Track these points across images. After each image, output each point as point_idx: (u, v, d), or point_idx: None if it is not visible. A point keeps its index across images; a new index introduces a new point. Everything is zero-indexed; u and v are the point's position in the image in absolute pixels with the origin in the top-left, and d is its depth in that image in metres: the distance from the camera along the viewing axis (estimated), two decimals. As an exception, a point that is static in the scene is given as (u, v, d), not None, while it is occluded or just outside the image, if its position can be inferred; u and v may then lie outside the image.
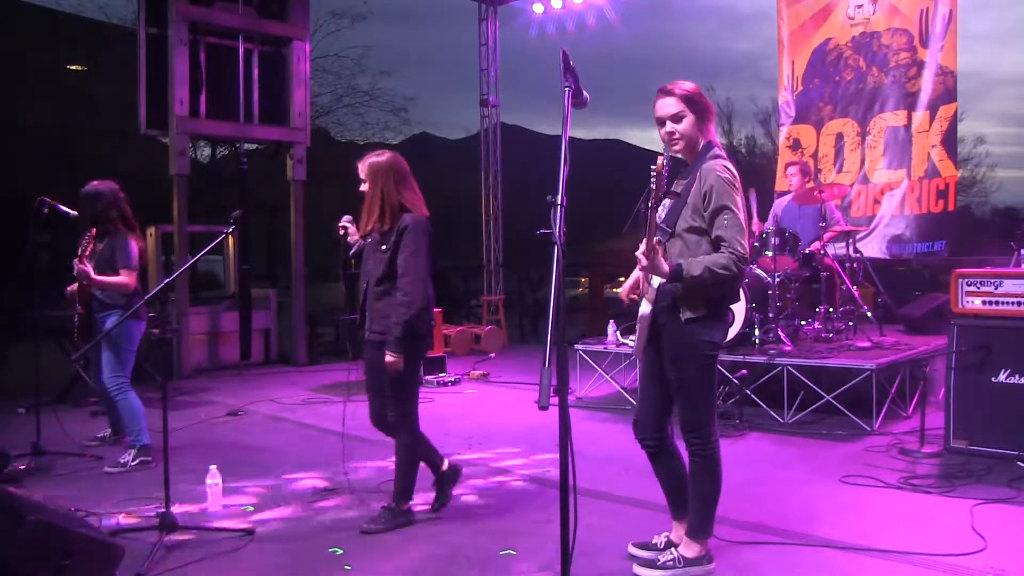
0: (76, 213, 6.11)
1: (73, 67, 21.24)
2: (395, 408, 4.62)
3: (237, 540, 4.42)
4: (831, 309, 7.85)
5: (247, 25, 11.07)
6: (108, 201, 6.05)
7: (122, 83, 15.84)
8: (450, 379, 9.34)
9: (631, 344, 4.21)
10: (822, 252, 7.76)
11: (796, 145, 10.78)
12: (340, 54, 24.07)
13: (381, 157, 4.59)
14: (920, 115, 9.74)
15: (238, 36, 11.04)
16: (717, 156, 3.70)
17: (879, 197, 10.10)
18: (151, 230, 11.29)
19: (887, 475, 5.30)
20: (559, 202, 2.86)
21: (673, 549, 3.86)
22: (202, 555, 4.22)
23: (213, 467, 5.07)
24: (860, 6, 10.23)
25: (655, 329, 3.79)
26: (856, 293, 8.01)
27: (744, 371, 6.98)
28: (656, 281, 3.72)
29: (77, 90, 20.44)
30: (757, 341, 7.32)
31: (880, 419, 6.54)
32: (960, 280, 5.75)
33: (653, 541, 4.04)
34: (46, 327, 7.56)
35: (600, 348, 8.31)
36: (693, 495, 3.82)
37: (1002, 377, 5.51)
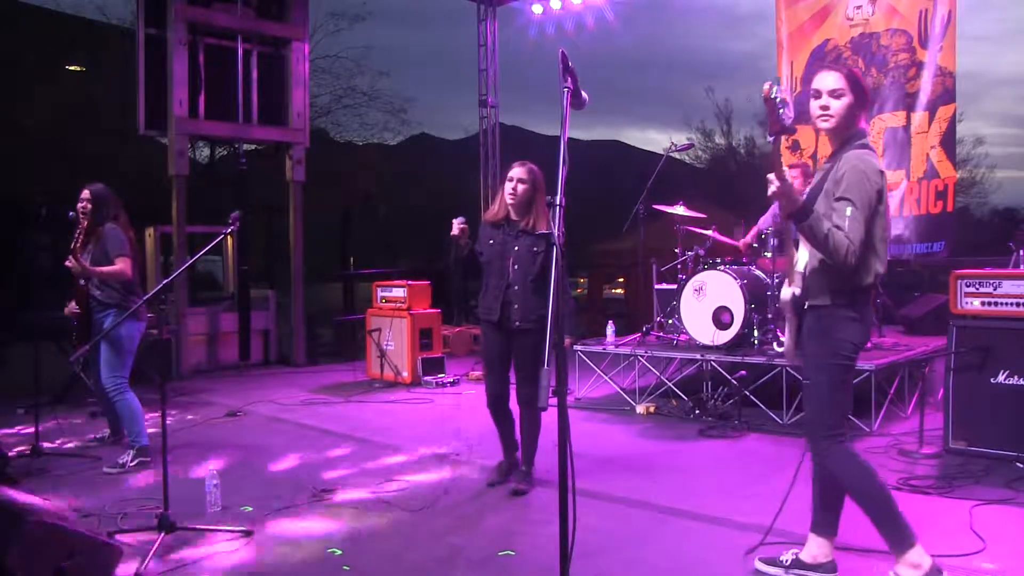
0: (74, 213, 6.12)
1: (72, 68, 21.24)
2: (531, 385, 5.15)
3: (236, 540, 4.43)
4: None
5: (246, 26, 11.08)
6: (114, 203, 6.16)
7: (121, 84, 15.86)
8: (449, 380, 9.33)
9: (780, 349, 4.02)
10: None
11: (795, 146, 10.77)
12: (339, 55, 24.12)
13: (536, 168, 5.23)
14: (919, 116, 9.74)
15: (237, 37, 11.05)
16: (864, 146, 3.50)
17: (878, 198, 10.09)
18: (150, 231, 11.30)
19: (886, 476, 5.28)
20: (558, 203, 2.85)
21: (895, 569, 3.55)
22: (201, 556, 4.22)
23: (212, 468, 5.07)
24: (859, 7, 10.22)
25: (799, 318, 3.65)
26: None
27: (743, 372, 6.98)
28: (801, 265, 3.58)
29: (76, 91, 20.44)
30: (756, 342, 7.33)
31: (879, 420, 6.54)
32: (959, 281, 5.75)
33: (781, 558, 3.84)
34: (45, 328, 7.57)
35: (599, 349, 8.32)
36: (856, 502, 3.61)
37: (1001, 378, 5.51)
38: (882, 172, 3.44)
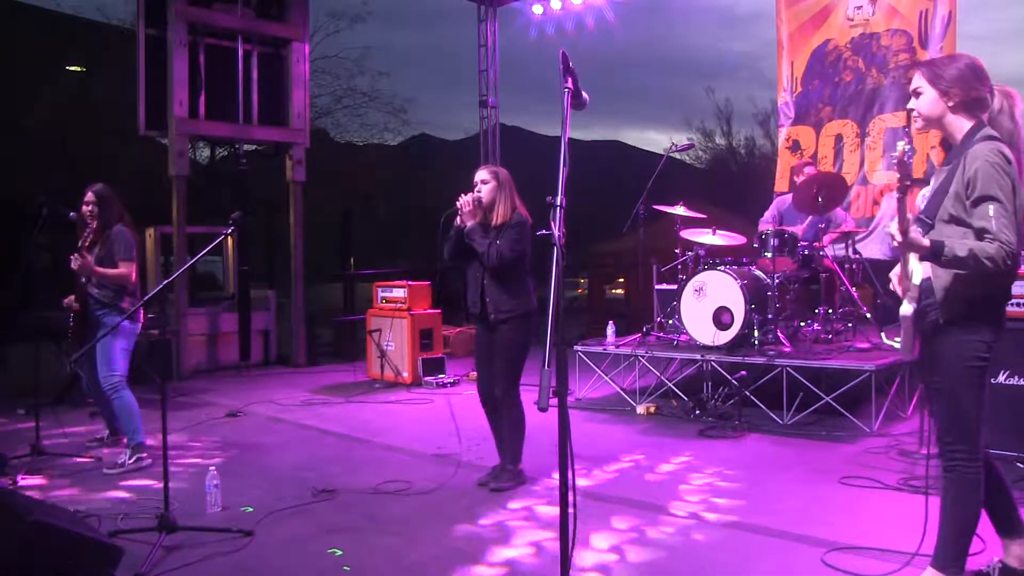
0: (75, 213, 6.14)
1: (72, 68, 21.23)
2: (503, 380, 5.30)
3: (236, 541, 4.42)
4: (830, 310, 7.84)
5: (246, 26, 11.07)
6: (119, 203, 6.22)
7: (121, 84, 15.85)
8: (449, 380, 9.34)
9: (896, 345, 3.82)
10: (821, 253, 7.75)
11: (796, 146, 10.77)
12: (339, 55, 24.11)
13: (501, 168, 5.43)
14: (919, 117, 9.73)
15: (237, 37, 11.05)
16: (989, 138, 3.23)
17: (878, 198, 10.10)
18: (150, 231, 11.30)
19: (886, 476, 5.30)
20: (559, 203, 2.84)
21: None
22: (201, 556, 4.22)
23: (212, 468, 5.07)
24: (859, 7, 10.23)
25: (920, 329, 3.43)
26: (855, 294, 8.00)
27: (743, 372, 6.98)
28: (917, 278, 3.36)
29: (77, 91, 20.44)
30: (756, 342, 7.32)
31: (879, 420, 6.54)
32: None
33: (985, 570, 3.60)
34: (44, 328, 7.57)
35: (599, 349, 8.32)
36: (946, 520, 3.39)
37: (1001, 379, 5.50)
38: (1010, 161, 3.20)
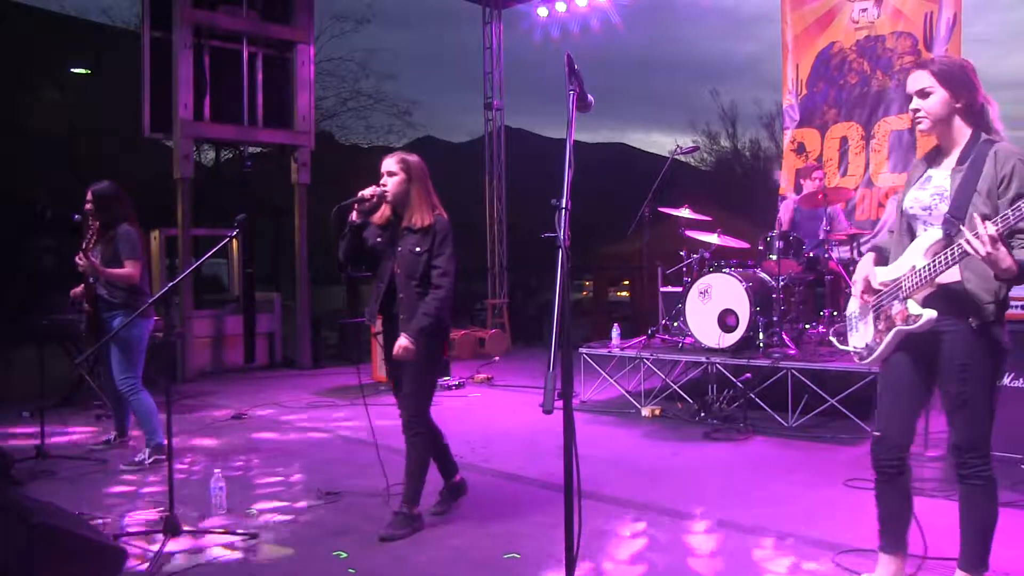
0: (79, 216, 6.18)
1: (77, 70, 21.27)
2: (411, 403, 4.67)
3: (241, 543, 4.43)
4: (835, 312, 7.83)
5: (251, 28, 11.09)
6: (123, 202, 6.21)
7: (126, 86, 15.88)
8: (454, 383, 9.34)
9: (852, 349, 3.69)
10: (826, 255, 7.74)
11: (801, 149, 10.76)
12: (344, 57, 24.15)
13: (413, 157, 4.61)
14: (924, 119, 9.72)
15: (242, 39, 11.06)
16: (991, 140, 3.17)
17: (883, 201, 10.08)
18: (155, 233, 11.32)
19: (892, 479, 5.28)
20: (564, 206, 2.84)
21: None
22: (206, 558, 4.22)
23: (217, 471, 5.07)
24: (864, 10, 10.21)
25: (921, 336, 3.25)
26: (860, 297, 7.96)
27: (748, 375, 6.98)
28: (945, 278, 3.17)
29: (81, 93, 20.47)
30: (761, 345, 7.31)
31: (884, 423, 6.52)
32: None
33: None
34: (50, 330, 7.58)
35: (604, 352, 8.31)
36: (970, 526, 3.42)
37: (1005, 381, 5.49)
38: None
